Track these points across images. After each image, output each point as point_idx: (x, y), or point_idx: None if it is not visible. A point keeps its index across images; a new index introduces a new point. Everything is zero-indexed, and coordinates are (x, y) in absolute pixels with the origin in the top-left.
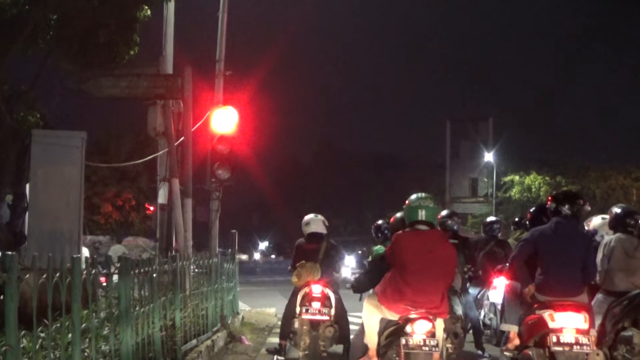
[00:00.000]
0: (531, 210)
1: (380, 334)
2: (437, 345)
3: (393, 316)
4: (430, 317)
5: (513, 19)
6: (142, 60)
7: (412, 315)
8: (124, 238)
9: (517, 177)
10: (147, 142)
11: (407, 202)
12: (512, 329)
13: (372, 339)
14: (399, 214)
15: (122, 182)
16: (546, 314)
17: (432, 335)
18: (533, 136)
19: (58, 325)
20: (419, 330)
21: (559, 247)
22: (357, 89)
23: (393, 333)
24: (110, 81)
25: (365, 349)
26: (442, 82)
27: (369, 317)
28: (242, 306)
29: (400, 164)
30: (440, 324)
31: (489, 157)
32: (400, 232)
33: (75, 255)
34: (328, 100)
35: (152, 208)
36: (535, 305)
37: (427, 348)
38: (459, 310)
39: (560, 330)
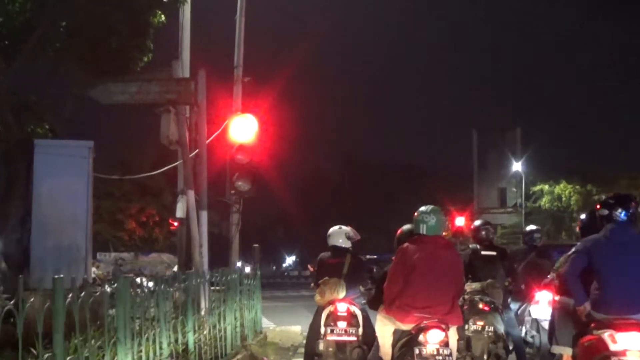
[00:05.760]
0: (582, 217)
1: (394, 345)
2: (450, 355)
3: (406, 327)
4: (443, 326)
5: (540, 28)
6: (156, 66)
7: (425, 325)
8: (148, 254)
9: (546, 187)
10: (170, 155)
11: (415, 213)
12: (566, 352)
13: (386, 351)
14: (405, 227)
15: (145, 198)
16: (606, 335)
17: (446, 344)
18: (561, 145)
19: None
20: (432, 340)
21: (617, 257)
22: (382, 98)
23: (406, 344)
24: (119, 87)
25: None
26: (469, 92)
27: (382, 329)
28: (266, 323)
29: (426, 174)
30: (453, 332)
31: (517, 166)
32: (404, 244)
33: (55, 276)
34: (352, 110)
35: (175, 223)
36: (592, 325)
37: (440, 357)
38: (501, 329)
39: (623, 353)
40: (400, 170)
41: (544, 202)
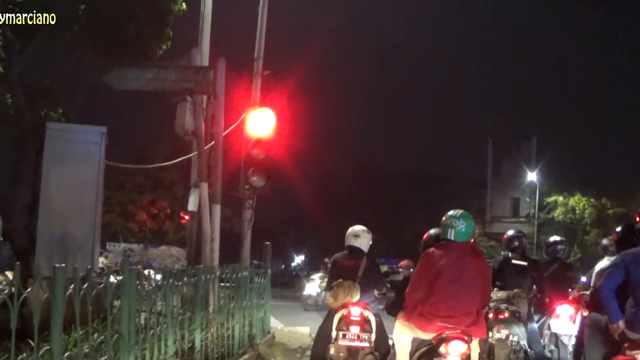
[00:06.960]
0: (617, 230)
1: (412, 354)
2: None
3: (426, 336)
4: (466, 337)
5: (556, 36)
6: (174, 55)
7: (447, 335)
8: (157, 247)
9: (560, 198)
10: (184, 148)
11: (444, 217)
12: None
13: None
14: (432, 231)
15: (157, 190)
16: None
17: (468, 357)
18: (577, 156)
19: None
20: (453, 352)
21: None
22: (398, 104)
23: (426, 354)
24: (135, 73)
25: None
26: (485, 100)
27: (400, 337)
28: (274, 323)
29: (440, 181)
30: (475, 345)
31: (531, 176)
32: (430, 249)
33: (56, 265)
34: (367, 112)
35: (187, 217)
36: (626, 345)
37: None
38: (523, 340)
39: None
40: (412, 176)
41: (558, 213)
